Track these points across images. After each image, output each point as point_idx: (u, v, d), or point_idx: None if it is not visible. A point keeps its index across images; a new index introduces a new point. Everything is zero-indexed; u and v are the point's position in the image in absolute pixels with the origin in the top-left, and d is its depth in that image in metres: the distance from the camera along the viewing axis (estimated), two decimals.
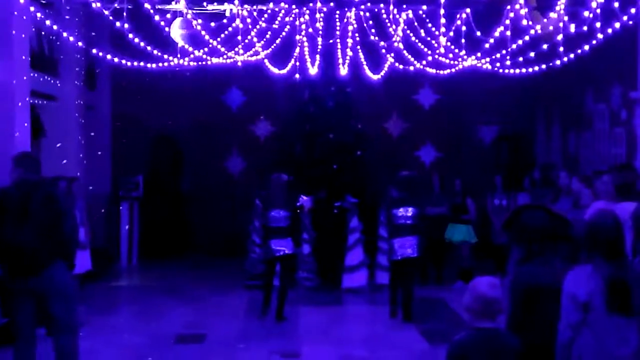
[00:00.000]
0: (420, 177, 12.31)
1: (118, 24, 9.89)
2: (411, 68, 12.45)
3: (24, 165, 6.46)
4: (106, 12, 9.90)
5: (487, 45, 11.12)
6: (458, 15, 10.99)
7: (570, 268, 4.44)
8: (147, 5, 9.63)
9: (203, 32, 10.89)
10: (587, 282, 4.28)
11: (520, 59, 11.65)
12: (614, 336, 4.26)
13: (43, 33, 11.86)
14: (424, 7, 11.11)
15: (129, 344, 8.72)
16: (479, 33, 11.08)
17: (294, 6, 11.05)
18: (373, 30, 11.61)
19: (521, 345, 4.04)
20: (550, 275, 4.55)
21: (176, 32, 10.97)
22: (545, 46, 10.60)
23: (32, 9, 9.62)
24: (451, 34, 11.02)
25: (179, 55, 11.30)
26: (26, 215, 6.18)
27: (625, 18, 9.35)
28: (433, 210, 12.33)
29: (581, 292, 4.26)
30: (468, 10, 10.99)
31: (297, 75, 11.56)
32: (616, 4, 9.63)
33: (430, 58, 11.91)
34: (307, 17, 11.09)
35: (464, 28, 11.01)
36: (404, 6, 11.23)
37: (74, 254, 6.60)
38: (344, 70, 11.90)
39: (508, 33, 10.60)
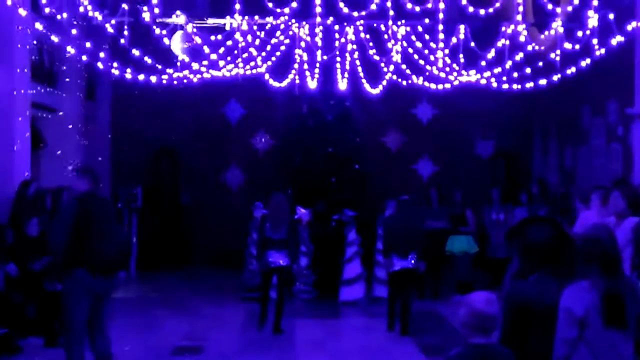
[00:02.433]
0: (416, 196, 12.19)
1: (119, 37, 9.97)
2: (409, 82, 12.53)
3: (90, 177, 7.04)
4: (107, 25, 9.99)
5: (483, 63, 11.22)
6: (456, 31, 11.08)
7: (567, 285, 4.41)
8: (147, 19, 9.71)
9: (204, 46, 10.97)
10: (583, 298, 4.26)
11: (517, 74, 11.74)
12: (610, 352, 4.25)
13: (44, 45, 11.94)
14: (426, 21, 11.19)
15: (126, 356, 8.72)
16: (476, 48, 11.18)
17: (293, 20, 11.13)
18: (372, 45, 11.71)
19: None
20: (546, 292, 4.45)
21: (177, 45, 11.05)
22: (541, 63, 10.71)
23: (38, 26, 9.69)
24: (446, 51, 11.10)
25: (179, 68, 11.38)
26: (105, 222, 6.89)
27: (621, 38, 9.46)
28: (432, 225, 12.38)
29: (578, 308, 4.25)
30: (466, 26, 11.08)
31: (296, 89, 11.63)
32: (611, 16, 9.76)
33: (430, 72, 11.99)
34: (306, 31, 11.17)
35: (462, 40, 11.08)
36: (403, 21, 11.32)
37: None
38: (342, 85, 11.97)
39: (506, 45, 10.70)
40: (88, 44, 10.46)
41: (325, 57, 11.33)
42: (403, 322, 9.98)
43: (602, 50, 10.01)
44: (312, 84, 11.68)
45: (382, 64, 11.82)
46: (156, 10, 9.74)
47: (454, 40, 11.00)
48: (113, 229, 6.97)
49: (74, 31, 10.05)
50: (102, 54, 10.80)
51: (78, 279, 6.75)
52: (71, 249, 6.69)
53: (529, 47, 10.72)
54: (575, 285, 4.34)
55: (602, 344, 4.25)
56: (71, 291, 6.82)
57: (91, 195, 6.95)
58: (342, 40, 11.37)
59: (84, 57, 10.85)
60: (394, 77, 12.07)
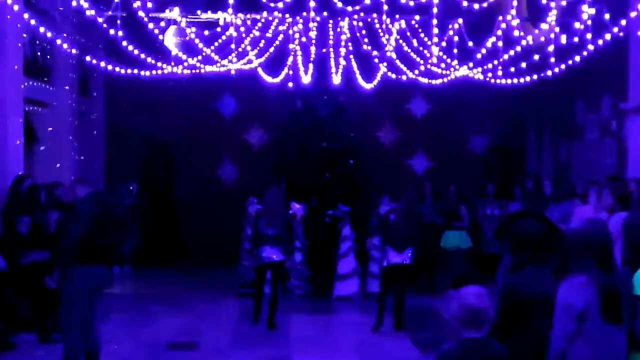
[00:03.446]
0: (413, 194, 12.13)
1: (112, 31, 9.93)
2: (404, 77, 12.53)
3: (87, 183, 7.57)
4: (100, 20, 9.95)
5: (479, 56, 11.22)
6: (450, 26, 11.08)
7: (560, 279, 4.40)
8: (141, 13, 9.68)
9: (197, 41, 10.94)
10: (582, 292, 4.28)
11: (512, 69, 11.75)
12: (606, 345, 4.28)
13: (37, 40, 11.89)
14: (417, 17, 11.19)
15: (120, 352, 8.72)
16: (471, 43, 11.18)
17: (287, 15, 11.12)
18: (366, 40, 11.70)
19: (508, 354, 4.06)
20: (539, 286, 4.50)
21: (170, 40, 11.03)
22: (536, 57, 10.70)
23: (26, 16, 9.65)
24: (443, 44, 11.10)
25: (172, 63, 11.35)
26: (111, 222, 7.15)
27: (615, 29, 9.45)
28: (426, 219, 12.38)
29: (577, 302, 4.27)
30: (460, 20, 11.08)
31: (290, 84, 11.62)
32: (607, 16, 9.76)
33: (422, 68, 11.99)
34: (300, 26, 11.16)
35: (456, 38, 11.09)
36: (397, 16, 11.32)
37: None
38: (337, 79, 11.97)
39: (500, 43, 10.70)
40: (81, 39, 10.42)
41: (320, 52, 11.33)
42: (397, 317, 9.98)
43: (598, 43, 10.00)
44: (306, 78, 11.67)
45: (376, 59, 11.82)
46: (149, 5, 9.71)
47: (449, 34, 11.00)
48: (121, 225, 7.20)
49: (66, 26, 10.00)
50: (95, 49, 10.77)
51: (87, 274, 6.89)
52: (82, 245, 6.86)
53: (523, 42, 10.72)
54: (572, 280, 4.35)
55: (599, 337, 4.28)
56: (77, 286, 6.93)
57: (97, 195, 7.37)
58: (336, 34, 11.37)
59: (76, 52, 10.81)
60: (388, 72, 12.06)
